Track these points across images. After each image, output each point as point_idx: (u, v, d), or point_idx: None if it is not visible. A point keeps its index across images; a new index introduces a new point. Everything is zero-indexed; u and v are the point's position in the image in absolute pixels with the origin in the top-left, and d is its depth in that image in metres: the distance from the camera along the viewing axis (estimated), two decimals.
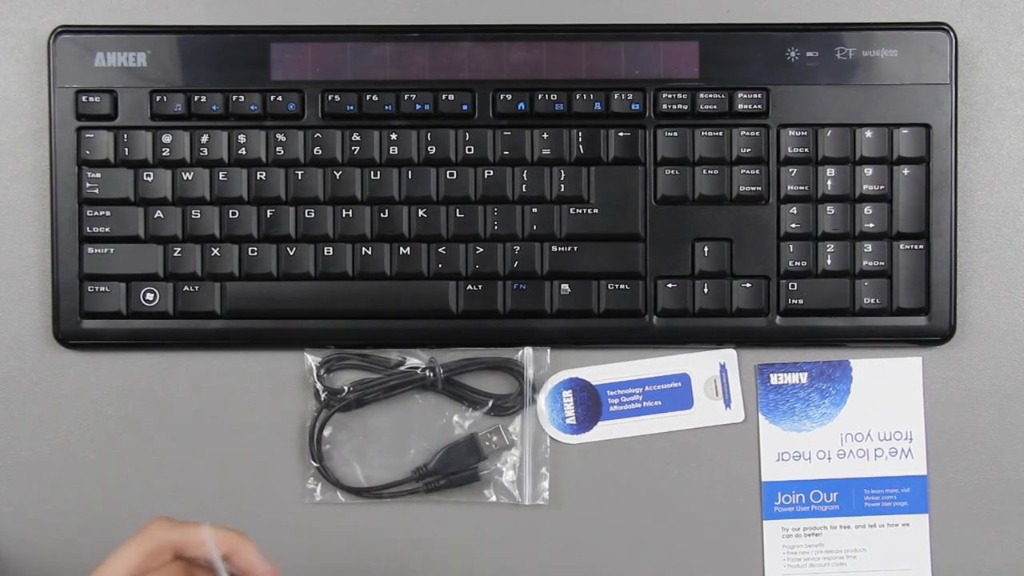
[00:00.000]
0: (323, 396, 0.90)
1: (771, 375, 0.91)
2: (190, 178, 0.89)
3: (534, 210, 0.89)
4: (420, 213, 0.89)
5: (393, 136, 0.89)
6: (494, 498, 0.91)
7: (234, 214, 0.89)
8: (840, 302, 0.89)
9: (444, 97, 0.89)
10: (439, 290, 0.89)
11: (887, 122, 0.89)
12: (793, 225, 0.89)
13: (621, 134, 0.89)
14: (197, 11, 0.91)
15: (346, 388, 0.90)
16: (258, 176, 0.89)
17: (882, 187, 0.89)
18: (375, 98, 0.89)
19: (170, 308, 0.89)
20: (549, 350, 0.90)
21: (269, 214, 0.89)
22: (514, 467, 0.91)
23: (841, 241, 0.89)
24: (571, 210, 0.89)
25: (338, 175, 0.89)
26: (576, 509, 0.91)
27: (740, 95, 0.89)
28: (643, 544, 0.91)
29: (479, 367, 0.90)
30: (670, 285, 0.89)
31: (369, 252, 0.89)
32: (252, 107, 0.89)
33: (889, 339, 0.90)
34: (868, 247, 0.89)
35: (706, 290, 0.89)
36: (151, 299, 0.89)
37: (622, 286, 0.89)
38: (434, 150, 0.89)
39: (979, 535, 0.91)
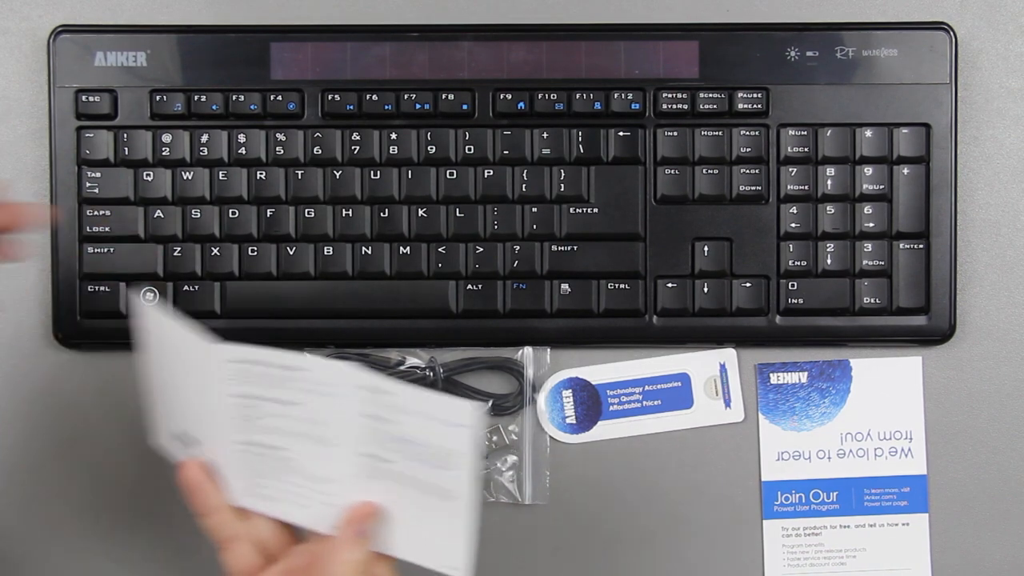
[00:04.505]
0: None
1: (771, 375, 0.91)
2: (190, 178, 0.89)
3: (534, 210, 0.89)
4: (420, 213, 0.89)
5: (393, 136, 0.89)
6: (494, 498, 0.91)
7: (234, 214, 0.89)
8: (840, 302, 0.89)
9: (444, 97, 0.89)
10: (439, 290, 0.89)
11: (887, 122, 0.89)
12: (793, 225, 0.89)
13: (621, 134, 0.89)
14: (197, 11, 0.91)
15: None
16: (258, 176, 0.89)
17: (882, 187, 0.89)
18: (375, 98, 0.89)
19: (170, 308, 0.89)
20: (549, 350, 0.90)
21: (269, 214, 0.89)
22: (514, 467, 0.91)
23: (841, 241, 0.89)
24: (571, 210, 0.89)
25: (338, 175, 0.89)
26: (576, 509, 0.91)
27: (740, 95, 0.89)
28: (643, 544, 0.91)
29: (479, 367, 0.90)
30: (670, 285, 0.89)
31: (369, 252, 0.89)
32: (252, 107, 0.89)
33: (889, 339, 0.90)
34: (868, 247, 0.89)
35: (706, 290, 0.89)
36: (151, 299, 0.89)
37: (622, 286, 0.89)
38: (434, 150, 0.89)
39: (979, 535, 0.91)
